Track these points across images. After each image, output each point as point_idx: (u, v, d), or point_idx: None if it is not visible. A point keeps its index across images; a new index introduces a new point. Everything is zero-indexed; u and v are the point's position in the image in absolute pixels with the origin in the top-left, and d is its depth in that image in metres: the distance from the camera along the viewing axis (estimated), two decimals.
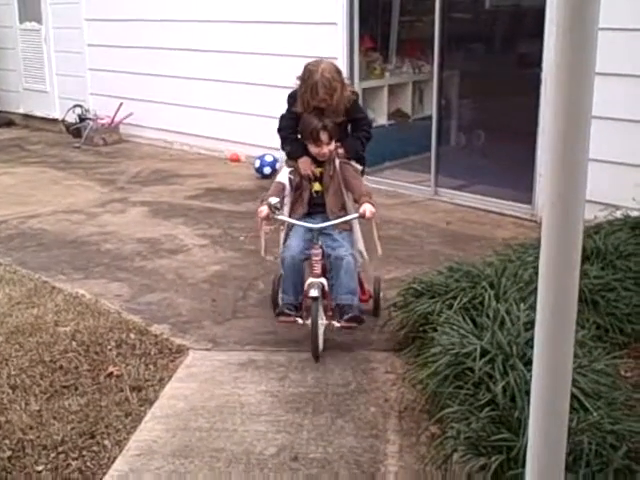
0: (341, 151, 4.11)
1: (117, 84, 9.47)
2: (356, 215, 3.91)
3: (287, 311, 3.92)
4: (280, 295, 4.04)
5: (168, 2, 8.71)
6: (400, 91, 8.12)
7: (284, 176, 4.10)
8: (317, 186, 4.09)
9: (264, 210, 3.88)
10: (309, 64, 4.16)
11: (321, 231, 3.91)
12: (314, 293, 3.76)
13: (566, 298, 1.92)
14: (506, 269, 3.88)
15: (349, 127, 4.24)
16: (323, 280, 3.87)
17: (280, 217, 3.95)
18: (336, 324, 3.89)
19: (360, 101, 4.59)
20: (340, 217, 3.97)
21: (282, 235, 4.12)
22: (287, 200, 4.07)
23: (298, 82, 4.16)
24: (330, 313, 3.97)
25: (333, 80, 4.03)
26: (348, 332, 3.95)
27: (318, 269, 3.86)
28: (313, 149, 4.02)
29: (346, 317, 3.85)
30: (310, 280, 3.85)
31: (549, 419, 2.02)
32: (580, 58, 1.73)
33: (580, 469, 2.43)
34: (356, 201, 3.98)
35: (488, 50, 8.15)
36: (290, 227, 4.08)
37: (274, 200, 3.86)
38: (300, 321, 3.90)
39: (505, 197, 6.24)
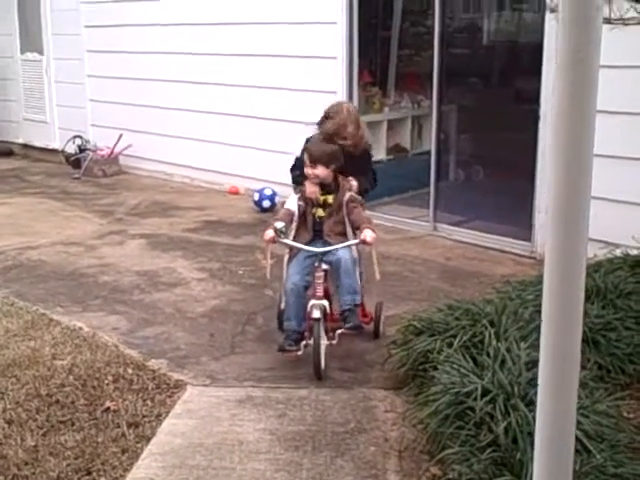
0: (354, 183, 4.30)
1: (117, 115, 9.51)
2: (357, 241, 4.07)
3: (288, 347, 3.99)
4: (285, 323, 4.10)
5: (167, 35, 8.77)
6: (399, 126, 8.16)
7: (293, 203, 4.23)
8: (320, 212, 4.22)
9: (270, 233, 4.02)
10: (330, 107, 4.50)
11: (322, 256, 4.04)
12: (316, 314, 3.90)
13: (570, 338, 1.91)
14: (506, 307, 3.87)
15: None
16: (325, 302, 4.01)
17: (284, 241, 4.09)
18: (340, 330, 4.04)
19: None
20: (339, 241, 4.10)
21: (285, 261, 4.21)
22: (293, 226, 4.19)
23: (316, 128, 4.48)
24: (331, 334, 4.08)
25: (357, 116, 4.46)
26: (346, 370, 4.00)
27: (320, 291, 4.00)
28: (305, 168, 4.21)
29: (347, 326, 4.01)
30: (312, 302, 3.98)
31: (554, 462, 2.00)
32: (581, 97, 1.74)
33: None
34: (357, 229, 4.12)
35: (487, 85, 8.23)
36: (293, 254, 4.18)
37: (280, 224, 4.03)
38: (300, 353, 3.99)
39: (504, 234, 6.24)
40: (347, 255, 4.06)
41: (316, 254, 4.06)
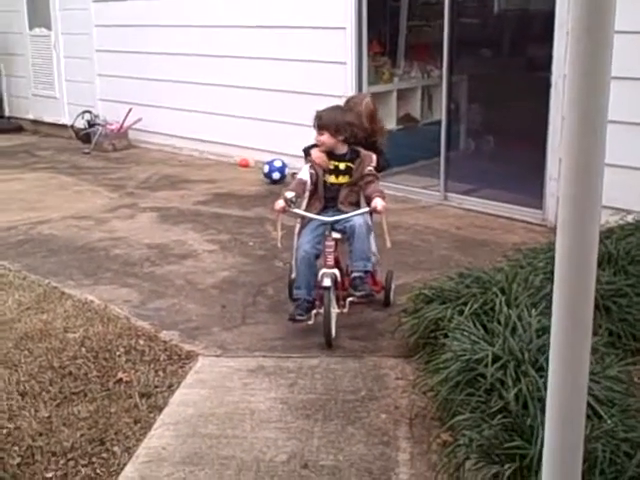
0: (375, 157, 4.32)
1: (126, 90, 9.49)
2: (368, 209, 4.09)
3: (298, 317, 4.01)
4: (295, 292, 4.13)
5: (177, 8, 8.73)
6: (409, 96, 8.10)
7: (305, 173, 4.25)
8: (332, 179, 4.25)
9: (280, 203, 4.04)
10: (352, 97, 4.66)
11: (334, 224, 4.05)
12: (327, 283, 3.91)
13: (582, 303, 1.90)
14: (517, 275, 3.85)
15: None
16: (336, 271, 4.04)
17: (295, 210, 4.11)
18: (350, 298, 4.07)
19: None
20: (352, 210, 4.13)
21: (296, 232, 4.24)
22: (306, 195, 4.23)
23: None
24: (342, 302, 4.11)
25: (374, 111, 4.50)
26: (356, 339, 4.02)
27: (331, 260, 4.02)
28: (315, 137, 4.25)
29: (358, 294, 4.03)
30: (323, 270, 4.00)
31: (565, 426, 2.00)
32: (596, 61, 1.71)
33: (595, 477, 2.41)
34: (368, 199, 4.13)
35: (497, 54, 8.13)
36: (304, 224, 4.20)
37: (290, 194, 4.05)
38: (311, 322, 4.02)
39: (515, 202, 6.21)
40: (361, 221, 4.07)
41: (327, 223, 4.06)
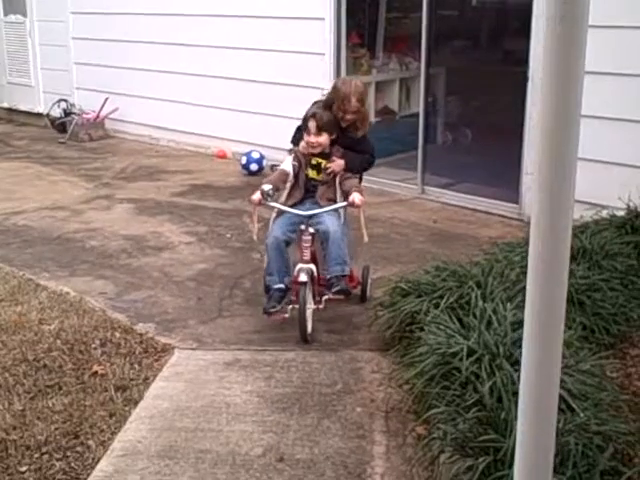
0: (340, 162, 4.20)
1: (103, 78, 9.40)
2: (345, 203, 4.07)
3: (271, 310, 3.99)
4: (266, 278, 4.10)
5: None
6: (387, 88, 8.09)
7: (288, 164, 4.24)
8: (313, 173, 4.24)
9: (257, 196, 4.03)
10: (339, 80, 4.53)
11: (310, 219, 4.04)
12: (303, 278, 3.91)
13: (555, 297, 1.91)
14: (493, 268, 3.88)
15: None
16: (312, 266, 4.02)
17: (271, 204, 4.10)
18: (325, 297, 4.04)
19: None
20: (328, 205, 4.11)
21: (271, 222, 4.20)
22: (287, 186, 4.21)
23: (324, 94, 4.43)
24: (318, 298, 4.09)
25: (363, 96, 4.34)
26: (333, 332, 4.02)
27: (307, 255, 4.02)
28: (305, 136, 4.18)
29: (334, 290, 3.98)
30: (299, 266, 3.99)
31: (537, 420, 2.02)
32: (569, 55, 1.72)
33: (567, 470, 2.43)
34: (346, 194, 4.11)
35: (475, 47, 8.15)
36: (278, 214, 4.18)
37: (267, 187, 4.02)
38: (286, 316, 4.01)
39: (492, 196, 6.24)
40: (336, 226, 4.02)
41: (303, 216, 4.05)
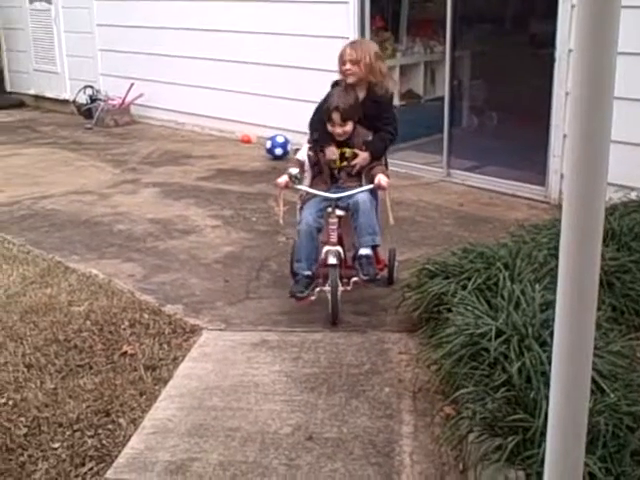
0: (364, 156, 4.19)
1: (128, 65, 9.44)
2: (371, 185, 4.07)
3: (299, 295, 3.98)
4: (295, 265, 4.10)
5: None
6: (412, 72, 8.06)
7: (303, 153, 4.24)
8: (337, 163, 4.22)
9: (284, 178, 4.04)
10: (352, 44, 4.39)
11: (337, 201, 4.04)
12: (332, 260, 3.93)
13: (587, 278, 1.91)
14: (520, 250, 3.86)
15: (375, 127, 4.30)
16: (339, 248, 4.02)
17: (299, 187, 4.11)
18: (355, 279, 4.03)
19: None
20: (355, 187, 4.11)
21: (298, 208, 4.22)
22: (307, 175, 4.21)
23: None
24: (345, 280, 4.08)
25: (362, 44, 4.36)
26: (360, 314, 4.07)
27: (334, 237, 4.02)
28: (329, 127, 4.15)
29: (364, 278, 3.97)
30: (327, 248, 4.00)
31: (569, 400, 2.01)
32: (602, 35, 1.70)
33: (597, 450, 2.43)
34: (371, 177, 4.12)
35: (500, 30, 8.07)
36: (305, 200, 4.18)
37: (294, 170, 4.05)
38: (313, 298, 4.00)
39: (518, 179, 6.20)
40: (365, 197, 4.04)
41: (331, 199, 4.05)
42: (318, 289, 4.03)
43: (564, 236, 1.90)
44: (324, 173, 4.23)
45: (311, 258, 4.04)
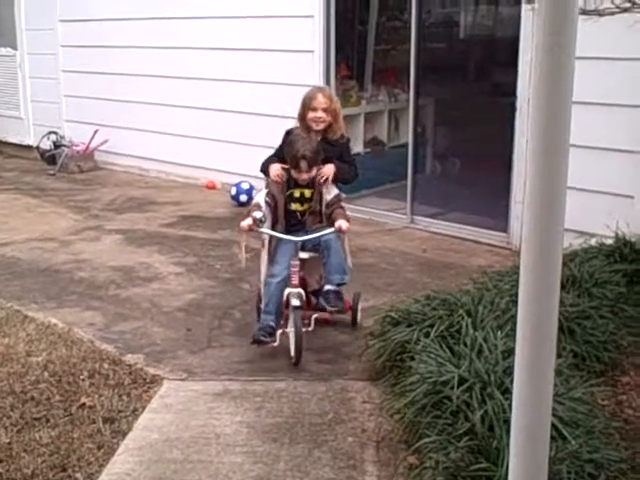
0: (329, 166, 4.30)
1: (92, 111, 9.43)
2: (333, 229, 4.13)
3: (262, 338, 4.01)
4: (263, 316, 4.12)
5: (143, 30, 8.70)
6: (376, 119, 8.16)
7: (261, 197, 4.26)
8: (297, 206, 4.29)
9: (247, 222, 4.06)
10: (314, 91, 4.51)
11: (302, 244, 4.13)
12: (296, 302, 3.98)
13: (546, 325, 1.92)
14: (483, 297, 3.87)
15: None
16: (301, 290, 4.08)
17: (264, 230, 4.13)
18: (315, 315, 4.16)
19: None
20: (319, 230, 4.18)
21: (263, 255, 4.23)
22: (267, 219, 4.22)
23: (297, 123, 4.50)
24: (307, 321, 4.13)
25: (327, 90, 4.59)
26: (323, 362, 4.05)
27: (296, 280, 4.08)
28: (294, 173, 4.22)
29: (330, 310, 4.11)
30: (289, 290, 4.05)
31: (530, 448, 2.01)
32: (558, 83, 1.74)
33: None
34: (332, 221, 4.19)
35: (463, 79, 8.24)
36: (274, 246, 4.21)
37: (259, 214, 4.06)
38: (276, 344, 4.02)
39: (481, 225, 6.27)
40: (334, 236, 4.13)
41: (296, 242, 4.10)
42: (280, 331, 4.05)
43: (523, 282, 1.92)
44: (279, 219, 4.26)
45: (278, 311, 4.08)
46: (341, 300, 4.15)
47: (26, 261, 5.86)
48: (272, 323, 4.06)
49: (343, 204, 4.32)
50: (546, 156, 1.79)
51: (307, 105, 4.36)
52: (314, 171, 4.21)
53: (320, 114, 4.32)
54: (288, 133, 4.42)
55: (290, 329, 4.02)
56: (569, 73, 1.74)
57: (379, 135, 8.18)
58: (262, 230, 4.12)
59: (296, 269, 4.08)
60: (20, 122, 10.64)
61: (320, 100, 4.33)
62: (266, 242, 4.24)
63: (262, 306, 4.16)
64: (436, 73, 7.63)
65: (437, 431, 2.87)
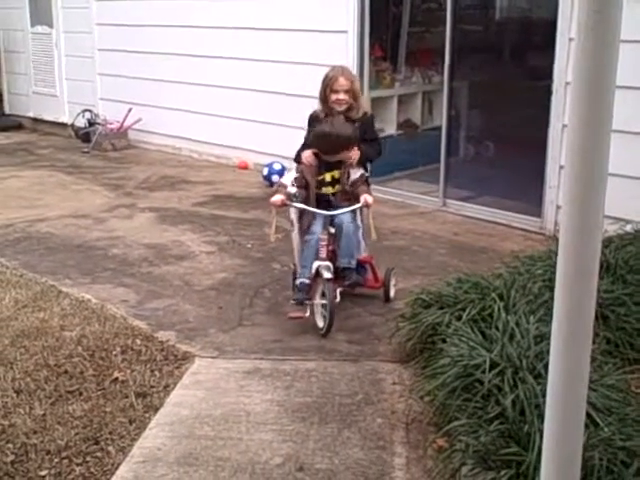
0: (354, 155, 4.35)
1: (127, 89, 9.48)
2: (359, 205, 4.26)
3: (306, 301, 4.17)
4: (299, 271, 4.27)
5: (179, 8, 8.72)
6: (410, 101, 8.10)
7: (288, 179, 4.39)
8: (328, 189, 4.37)
9: (279, 197, 4.18)
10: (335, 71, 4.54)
11: (333, 217, 4.27)
12: (328, 275, 4.13)
13: (583, 311, 1.90)
14: (515, 281, 3.85)
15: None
16: (329, 263, 4.21)
17: (297, 204, 4.26)
18: (339, 289, 4.22)
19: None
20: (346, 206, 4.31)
21: (294, 235, 4.39)
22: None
23: (319, 104, 4.54)
24: (334, 293, 4.22)
25: (347, 70, 4.56)
26: (353, 343, 4.04)
27: (324, 253, 4.20)
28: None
29: (346, 283, 4.27)
30: (318, 263, 4.17)
31: (564, 434, 1.99)
32: (600, 68, 1.71)
33: None
34: (357, 197, 4.29)
35: (498, 61, 8.14)
36: (306, 224, 4.33)
37: (293, 189, 4.23)
38: (307, 314, 4.16)
39: (514, 209, 6.21)
40: (349, 222, 4.26)
41: (325, 216, 4.23)
42: (309, 303, 4.18)
43: (560, 268, 1.89)
44: (311, 201, 4.32)
45: (311, 268, 4.19)
46: (355, 274, 4.31)
47: (60, 237, 5.93)
48: (307, 281, 4.18)
49: (368, 182, 4.43)
50: (587, 140, 1.76)
51: (329, 87, 4.39)
52: (354, 150, 4.31)
53: (342, 96, 4.37)
54: (313, 117, 4.47)
55: (318, 301, 4.15)
56: (613, 53, 1.70)
57: (412, 117, 8.12)
58: (296, 205, 4.23)
59: (324, 242, 4.18)
60: (55, 100, 10.74)
61: (342, 82, 4.38)
62: (295, 221, 4.34)
63: (298, 270, 4.29)
64: (471, 55, 7.55)
65: (467, 414, 2.87)
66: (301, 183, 4.31)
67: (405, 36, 8.16)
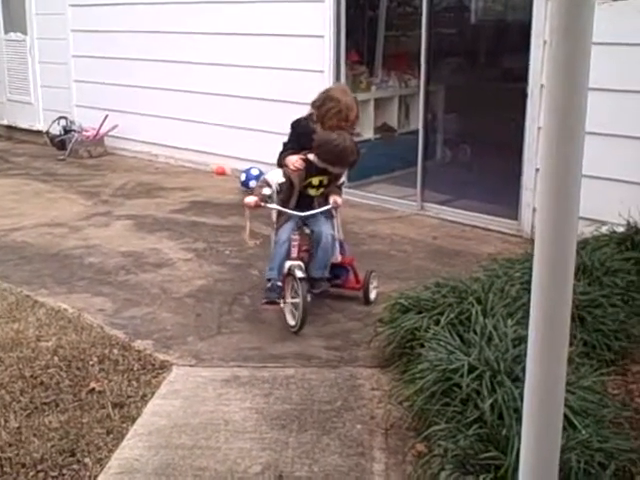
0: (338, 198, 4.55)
1: (102, 96, 9.41)
2: (330, 206, 4.44)
3: (277, 300, 4.27)
4: (267, 272, 4.34)
5: (154, 14, 8.68)
6: (386, 105, 8.11)
7: (273, 177, 4.38)
8: (314, 191, 4.45)
9: (252, 198, 4.26)
10: (326, 90, 4.68)
11: (307, 218, 4.38)
12: (300, 274, 4.19)
13: (559, 312, 1.91)
14: (493, 285, 3.86)
15: None
16: (301, 263, 4.31)
17: (272, 205, 4.32)
18: (309, 296, 4.25)
19: None
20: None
21: (273, 236, 4.46)
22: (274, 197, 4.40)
23: (313, 109, 4.58)
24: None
25: (350, 94, 4.66)
26: (332, 349, 4.04)
27: (295, 253, 4.31)
28: (331, 169, 4.37)
29: (315, 291, 4.36)
30: (290, 263, 4.25)
31: (541, 437, 2.00)
32: (574, 69, 1.72)
33: None
34: (327, 197, 4.50)
35: (474, 64, 8.19)
36: (281, 223, 4.40)
37: (268, 191, 4.28)
38: (282, 305, 4.29)
39: (491, 212, 6.23)
40: (329, 233, 4.33)
41: (300, 217, 4.32)
42: (283, 304, 4.27)
43: (536, 270, 1.90)
44: (292, 202, 4.36)
45: (281, 270, 4.26)
46: (337, 276, 4.54)
47: (36, 246, 5.87)
48: (278, 282, 4.26)
49: (340, 186, 4.63)
50: (561, 143, 1.77)
51: (346, 116, 4.43)
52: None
53: (349, 123, 4.49)
54: (302, 125, 4.50)
55: (289, 300, 4.25)
56: (586, 56, 1.71)
57: (389, 121, 8.13)
58: (271, 206, 4.29)
59: (296, 242, 4.29)
60: (30, 107, 10.64)
61: (354, 111, 4.49)
62: (275, 221, 4.42)
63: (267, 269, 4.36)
64: (447, 59, 7.60)
65: (446, 419, 2.87)
66: (286, 182, 4.34)
67: (381, 40, 8.18)
